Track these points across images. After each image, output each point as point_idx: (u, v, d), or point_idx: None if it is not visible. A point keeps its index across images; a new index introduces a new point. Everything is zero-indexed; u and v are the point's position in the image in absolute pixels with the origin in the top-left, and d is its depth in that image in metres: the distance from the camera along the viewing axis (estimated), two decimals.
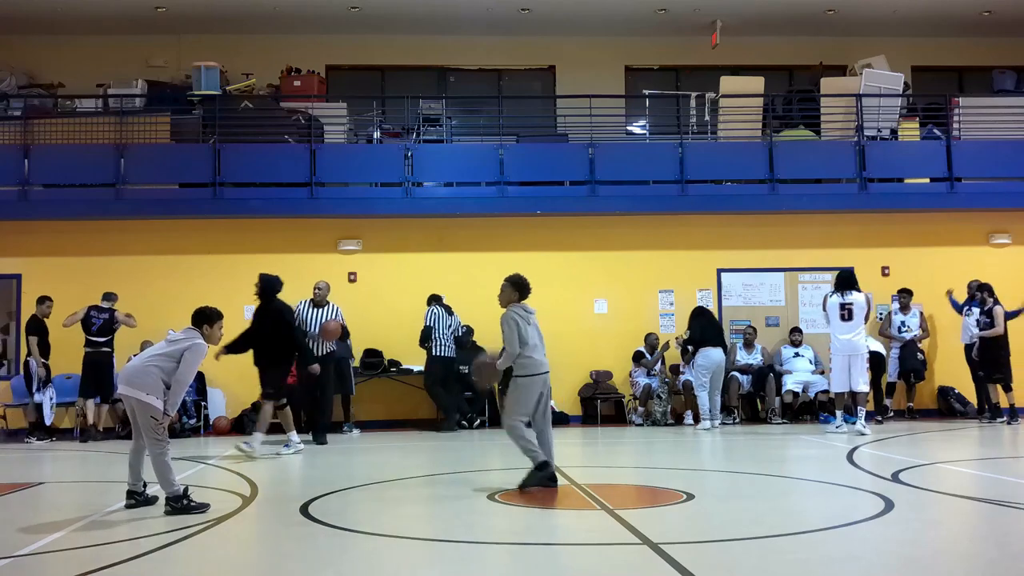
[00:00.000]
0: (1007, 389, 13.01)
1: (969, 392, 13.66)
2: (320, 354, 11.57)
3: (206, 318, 7.13)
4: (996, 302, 13.10)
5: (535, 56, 16.70)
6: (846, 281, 11.73)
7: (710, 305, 13.96)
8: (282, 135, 14.18)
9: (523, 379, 7.55)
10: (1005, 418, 12.78)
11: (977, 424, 12.89)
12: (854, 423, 11.38)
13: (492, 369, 7.75)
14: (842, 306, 11.55)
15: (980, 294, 13.26)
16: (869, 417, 12.05)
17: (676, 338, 13.54)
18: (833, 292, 11.78)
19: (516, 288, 7.80)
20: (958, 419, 13.53)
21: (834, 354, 11.67)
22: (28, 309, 13.10)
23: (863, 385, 11.54)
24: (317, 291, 12.04)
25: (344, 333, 12.27)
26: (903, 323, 13.89)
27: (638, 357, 13.78)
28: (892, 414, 13.71)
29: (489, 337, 13.69)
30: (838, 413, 11.76)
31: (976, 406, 13.43)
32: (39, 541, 5.73)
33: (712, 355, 12.59)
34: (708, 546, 5.51)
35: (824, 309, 11.86)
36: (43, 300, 12.61)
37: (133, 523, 6.46)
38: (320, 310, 11.93)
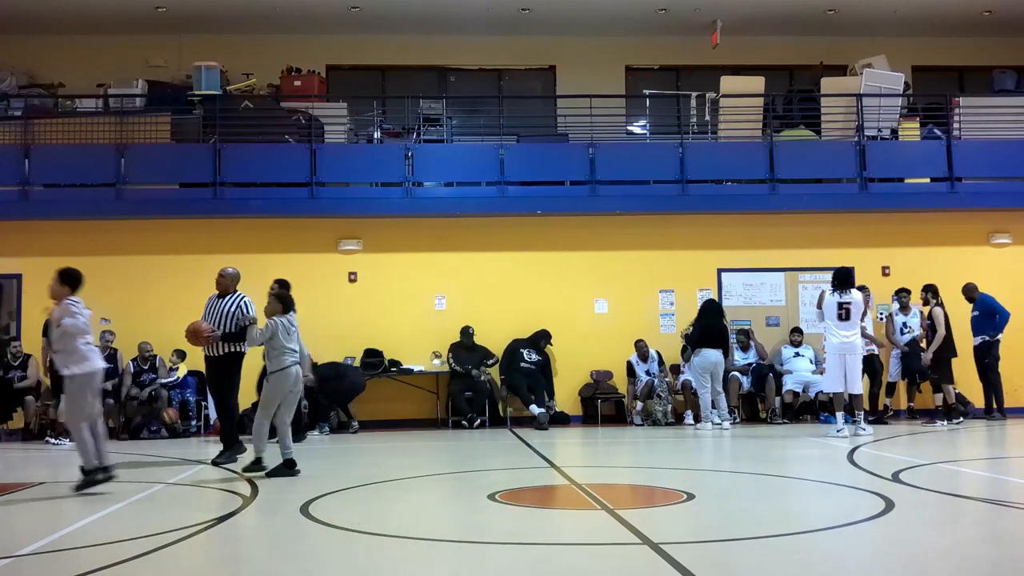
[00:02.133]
0: (937, 390, 12.89)
1: (969, 392, 13.60)
2: (214, 354, 9.54)
3: (78, 281, 7.88)
4: (939, 304, 12.97)
5: (535, 56, 16.69)
6: (845, 279, 11.39)
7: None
8: (282, 135, 14.18)
9: (274, 375, 8.48)
10: (943, 420, 12.66)
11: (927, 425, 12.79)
12: (854, 424, 11.30)
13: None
14: (840, 305, 11.21)
15: (924, 294, 13.13)
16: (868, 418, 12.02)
17: (682, 333, 13.57)
18: (831, 291, 11.40)
19: (280, 302, 8.77)
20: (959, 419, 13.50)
21: (830, 353, 11.34)
22: (28, 309, 13.09)
23: (857, 387, 11.35)
24: (219, 278, 9.75)
25: (245, 323, 9.31)
26: (904, 323, 13.83)
27: (631, 372, 13.77)
28: (892, 413, 13.70)
29: (490, 336, 13.74)
30: (839, 415, 11.37)
31: (983, 407, 13.39)
32: (39, 541, 5.73)
33: (709, 356, 12.50)
34: (708, 546, 5.50)
35: (819, 307, 11.61)
36: None
37: (133, 523, 6.46)
38: (219, 301, 9.65)
